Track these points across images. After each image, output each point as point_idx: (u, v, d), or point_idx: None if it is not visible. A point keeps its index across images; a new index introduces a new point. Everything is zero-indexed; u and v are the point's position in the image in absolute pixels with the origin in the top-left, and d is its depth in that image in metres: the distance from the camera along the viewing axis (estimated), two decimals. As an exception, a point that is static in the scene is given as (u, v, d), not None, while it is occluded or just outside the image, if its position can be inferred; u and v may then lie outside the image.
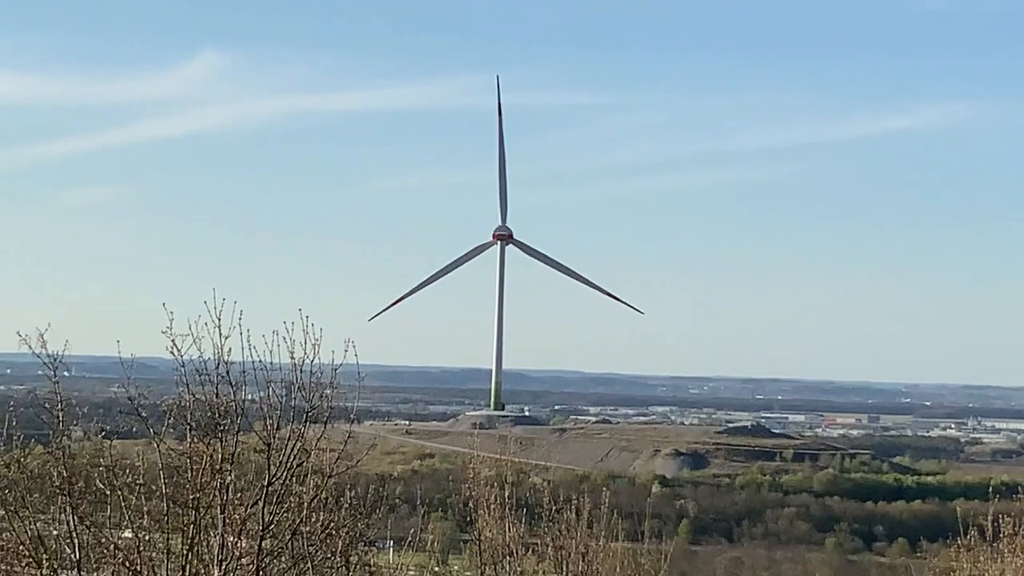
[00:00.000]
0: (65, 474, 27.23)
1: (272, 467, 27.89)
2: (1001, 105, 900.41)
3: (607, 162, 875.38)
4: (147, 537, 27.21)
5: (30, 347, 27.75)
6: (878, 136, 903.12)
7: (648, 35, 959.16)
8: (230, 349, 27.47)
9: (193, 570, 27.12)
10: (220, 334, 27.33)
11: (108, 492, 27.38)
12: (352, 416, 30.57)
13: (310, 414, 28.67)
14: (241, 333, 27.54)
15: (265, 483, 27.82)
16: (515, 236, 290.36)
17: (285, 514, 28.28)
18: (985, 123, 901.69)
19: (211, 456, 27.22)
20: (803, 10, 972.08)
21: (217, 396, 27.44)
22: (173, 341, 27.32)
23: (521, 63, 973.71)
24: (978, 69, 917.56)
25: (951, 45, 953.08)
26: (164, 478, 27.39)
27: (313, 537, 29.37)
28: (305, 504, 28.60)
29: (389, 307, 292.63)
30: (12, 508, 27.63)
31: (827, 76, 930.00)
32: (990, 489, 50.27)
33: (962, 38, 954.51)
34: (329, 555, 30.32)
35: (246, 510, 27.60)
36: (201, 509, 27.02)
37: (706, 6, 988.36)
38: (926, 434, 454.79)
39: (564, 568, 39.02)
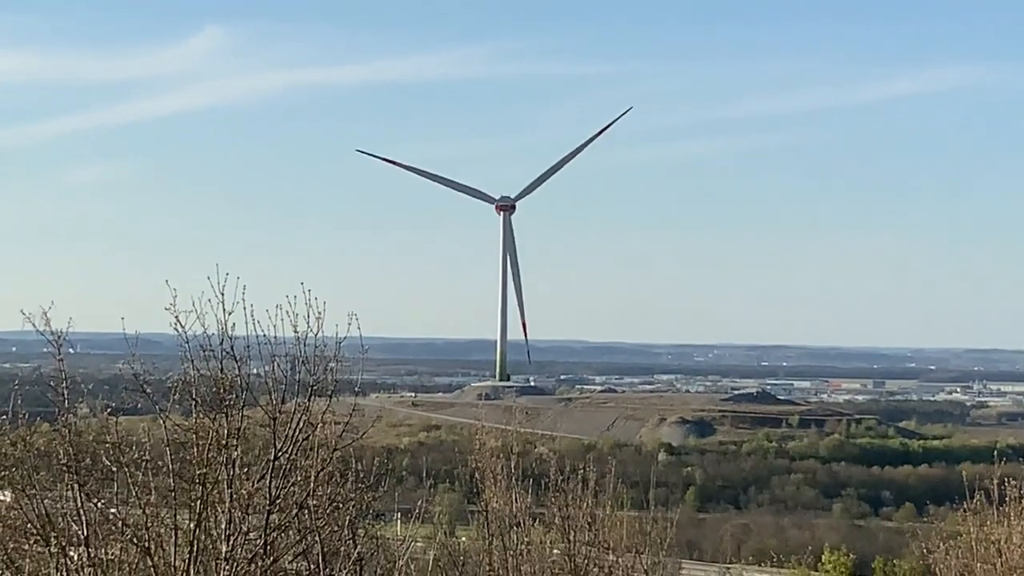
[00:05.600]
0: (71, 451, 27.22)
1: (278, 441, 27.90)
2: (1009, 68, 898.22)
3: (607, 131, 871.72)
4: (154, 513, 27.23)
5: (34, 325, 27.75)
6: (882, 100, 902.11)
7: (648, 4, 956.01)
8: (234, 324, 27.52)
9: (201, 545, 27.11)
10: (224, 309, 27.37)
11: (115, 469, 27.38)
12: (357, 389, 30.58)
13: (315, 388, 28.67)
14: (244, 308, 27.57)
15: (271, 457, 27.84)
16: (516, 214, 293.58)
17: (292, 488, 28.28)
18: (991, 87, 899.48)
19: (217, 431, 27.23)
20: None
21: (222, 371, 27.44)
22: (177, 317, 27.35)
23: (521, 33, 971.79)
24: (985, 33, 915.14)
25: (957, 8, 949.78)
26: (170, 454, 27.38)
27: (320, 511, 29.42)
28: (312, 478, 28.61)
29: (379, 158, 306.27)
30: (19, 486, 27.64)
31: (832, 41, 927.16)
32: (996, 453, 50.08)
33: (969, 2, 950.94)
34: (336, 528, 30.38)
35: (253, 485, 27.61)
36: (208, 484, 27.02)
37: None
38: (932, 398, 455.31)
39: (571, 537, 39.05)
